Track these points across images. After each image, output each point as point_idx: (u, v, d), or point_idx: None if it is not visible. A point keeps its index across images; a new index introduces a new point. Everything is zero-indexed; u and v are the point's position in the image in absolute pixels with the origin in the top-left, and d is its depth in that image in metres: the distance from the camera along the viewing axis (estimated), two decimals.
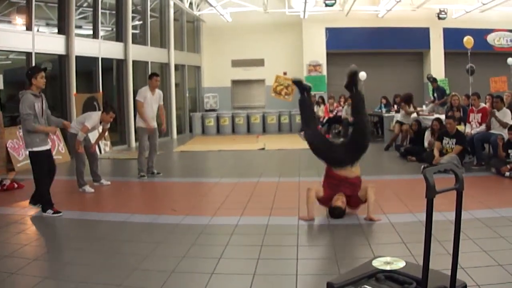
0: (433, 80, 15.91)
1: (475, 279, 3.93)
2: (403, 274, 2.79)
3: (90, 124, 8.48)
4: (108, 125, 9.13)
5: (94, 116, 8.69)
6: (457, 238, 2.64)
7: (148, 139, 9.94)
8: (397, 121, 13.44)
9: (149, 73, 15.24)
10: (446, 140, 9.99)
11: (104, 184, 9.15)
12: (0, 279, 4.32)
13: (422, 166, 9.67)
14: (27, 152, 7.13)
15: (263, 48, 21.33)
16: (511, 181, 8.54)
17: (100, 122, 8.77)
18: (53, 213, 6.83)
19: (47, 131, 7.04)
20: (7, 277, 4.40)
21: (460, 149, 9.77)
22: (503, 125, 9.68)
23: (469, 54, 14.48)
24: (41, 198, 6.99)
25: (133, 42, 16.04)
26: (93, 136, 9.42)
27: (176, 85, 19.37)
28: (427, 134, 11.07)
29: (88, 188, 8.56)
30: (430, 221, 2.43)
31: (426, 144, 11.01)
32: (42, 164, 6.96)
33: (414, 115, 13.04)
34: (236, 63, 21.74)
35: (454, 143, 9.84)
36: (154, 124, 10.00)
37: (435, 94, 15.52)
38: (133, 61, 16.00)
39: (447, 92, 15.69)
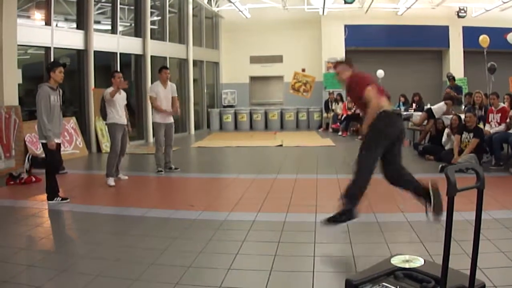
0: (452, 78, 15.77)
1: (491, 279, 3.88)
2: (421, 273, 2.78)
3: (109, 90, 8.87)
4: (125, 100, 9.36)
5: (108, 89, 8.98)
6: (477, 236, 2.62)
7: (164, 135, 9.98)
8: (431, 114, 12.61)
9: None
10: (465, 135, 9.90)
11: (122, 179, 9.20)
12: (17, 271, 4.37)
13: (440, 165, 9.57)
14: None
15: (282, 44, 21.32)
16: None
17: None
18: (61, 200, 7.08)
19: (49, 139, 7.04)
20: (25, 269, 4.45)
21: (477, 142, 9.65)
22: None
23: (485, 53, 14.31)
24: (50, 188, 7.19)
25: (151, 38, 16.13)
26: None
27: (194, 81, 19.43)
28: (447, 131, 10.93)
29: (110, 181, 8.65)
30: (451, 218, 2.41)
31: (444, 139, 10.94)
32: (53, 155, 7.17)
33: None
34: (254, 60, 21.75)
35: (472, 138, 9.75)
36: (170, 119, 10.04)
37: None
38: (152, 57, 16.08)
39: (464, 91, 15.54)
